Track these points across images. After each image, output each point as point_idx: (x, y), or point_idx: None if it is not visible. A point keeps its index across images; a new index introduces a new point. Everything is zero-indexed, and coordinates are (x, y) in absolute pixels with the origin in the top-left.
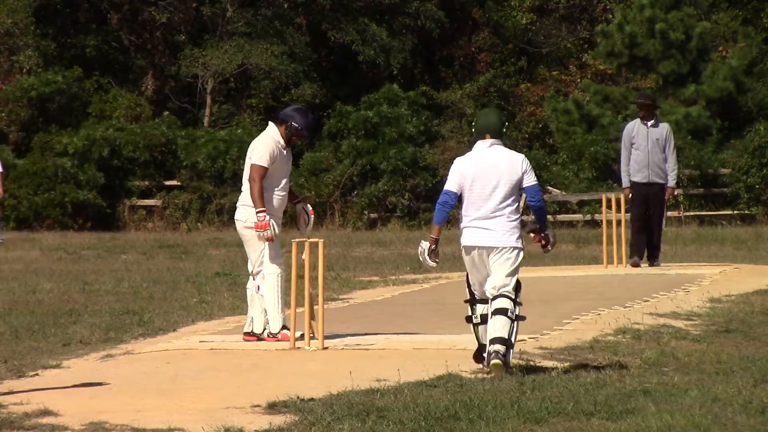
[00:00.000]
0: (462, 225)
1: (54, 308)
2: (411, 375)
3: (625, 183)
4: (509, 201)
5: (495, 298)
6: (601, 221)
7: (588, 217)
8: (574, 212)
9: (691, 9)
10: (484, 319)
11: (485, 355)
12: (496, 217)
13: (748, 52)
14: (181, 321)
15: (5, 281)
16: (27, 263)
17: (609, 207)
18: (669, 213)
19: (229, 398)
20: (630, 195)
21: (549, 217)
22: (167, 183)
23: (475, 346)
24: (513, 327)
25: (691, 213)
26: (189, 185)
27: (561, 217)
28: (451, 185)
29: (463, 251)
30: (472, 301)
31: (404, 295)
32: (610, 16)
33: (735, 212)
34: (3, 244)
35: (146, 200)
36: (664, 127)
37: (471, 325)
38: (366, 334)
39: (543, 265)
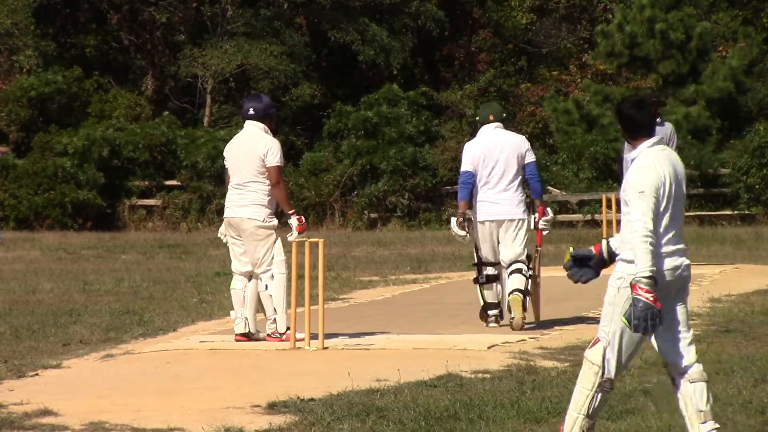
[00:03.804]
0: (475, 200)
1: (54, 308)
2: (411, 375)
3: None
4: (516, 176)
5: (511, 264)
6: (601, 221)
7: (588, 217)
8: (574, 212)
9: (691, 9)
10: (489, 279)
11: (489, 313)
12: (504, 191)
13: (748, 52)
14: (181, 321)
15: (5, 281)
16: (27, 263)
17: (609, 207)
18: None
19: (229, 398)
20: None
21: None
22: (167, 183)
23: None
24: (527, 281)
25: (691, 213)
26: (189, 185)
27: (561, 216)
28: (466, 166)
29: (478, 224)
30: (480, 265)
31: (404, 295)
32: (610, 16)
33: (735, 212)
34: (2, 244)
35: (146, 200)
36: (669, 126)
37: (477, 286)
38: (366, 334)
39: (543, 265)
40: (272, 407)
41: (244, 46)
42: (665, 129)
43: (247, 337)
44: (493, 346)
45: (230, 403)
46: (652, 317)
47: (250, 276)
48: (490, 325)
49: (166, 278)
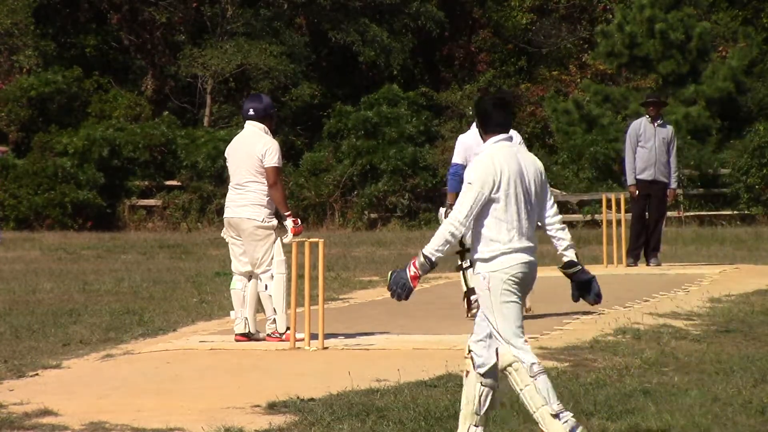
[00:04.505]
0: None
1: (54, 308)
2: (411, 375)
3: (631, 180)
4: None
5: None
6: (601, 221)
7: (588, 217)
8: (574, 212)
9: (691, 9)
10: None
11: (472, 298)
12: None
13: (748, 52)
14: (181, 321)
15: (5, 281)
16: (27, 263)
17: (609, 207)
18: (669, 213)
19: (229, 398)
20: (636, 192)
21: None
22: (167, 183)
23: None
24: None
25: (691, 213)
26: (189, 185)
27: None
28: (457, 158)
29: None
30: (463, 251)
31: None
32: (610, 16)
33: (735, 212)
34: (2, 244)
35: (146, 200)
36: (670, 128)
37: (461, 273)
38: (366, 334)
39: (543, 265)
40: (272, 407)
41: (244, 46)
42: (666, 131)
43: (247, 337)
44: None
45: (230, 403)
46: (402, 289)
47: (250, 276)
48: (474, 311)
49: (166, 278)
